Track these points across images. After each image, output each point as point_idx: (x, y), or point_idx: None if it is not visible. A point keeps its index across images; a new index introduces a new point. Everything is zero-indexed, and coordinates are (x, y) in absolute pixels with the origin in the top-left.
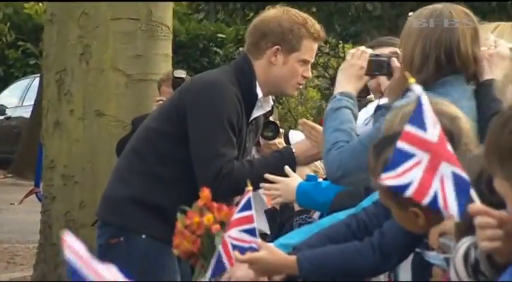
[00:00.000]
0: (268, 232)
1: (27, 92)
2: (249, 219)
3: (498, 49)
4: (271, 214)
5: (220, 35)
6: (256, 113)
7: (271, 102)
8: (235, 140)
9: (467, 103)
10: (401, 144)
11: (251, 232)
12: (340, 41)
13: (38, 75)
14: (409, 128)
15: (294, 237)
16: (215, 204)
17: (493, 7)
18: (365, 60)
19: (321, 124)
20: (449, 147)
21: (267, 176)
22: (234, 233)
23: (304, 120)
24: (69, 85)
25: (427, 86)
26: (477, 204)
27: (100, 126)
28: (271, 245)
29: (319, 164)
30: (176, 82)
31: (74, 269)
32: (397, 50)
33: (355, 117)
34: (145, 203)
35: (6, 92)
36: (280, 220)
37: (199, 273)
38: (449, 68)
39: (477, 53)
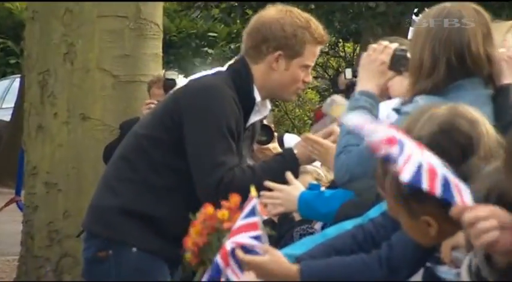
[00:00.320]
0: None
1: (7, 94)
2: (254, 226)
3: None
4: (269, 226)
5: (211, 34)
6: (254, 118)
7: (269, 107)
8: (235, 146)
9: (481, 109)
10: (399, 135)
11: (257, 239)
12: (340, 40)
13: (19, 75)
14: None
15: (299, 248)
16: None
17: (503, 3)
18: (388, 54)
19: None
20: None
21: (268, 183)
22: (239, 239)
23: (307, 135)
24: (52, 86)
25: (439, 91)
26: (459, 204)
27: (85, 131)
28: (277, 251)
29: (321, 172)
30: (168, 84)
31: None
32: None
33: (375, 117)
34: (135, 214)
35: None
36: (279, 232)
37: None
38: (462, 70)
39: (491, 52)
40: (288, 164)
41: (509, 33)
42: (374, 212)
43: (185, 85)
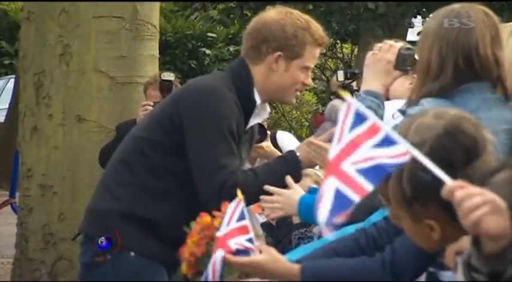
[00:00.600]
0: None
1: (1, 95)
2: (245, 230)
3: None
4: (267, 230)
5: (210, 35)
6: (253, 121)
7: (268, 110)
8: (236, 148)
9: (487, 113)
10: None
11: (250, 242)
12: (338, 41)
13: (13, 76)
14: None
15: (300, 253)
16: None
17: (503, 5)
18: (393, 54)
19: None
20: (346, 166)
21: (267, 187)
22: (233, 243)
23: (311, 139)
24: (48, 88)
25: (446, 94)
26: (450, 183)
27: (81, 133)
28: (274, 250)
29: (321, 175)
30: (164, 85)
31: None
32: None
33: (380, 117)
34: (134, 217)
35: None
36: (277, 236)
37: None
38: (469, 72)
39: (499, 55)
40: (291, 167)
41: (511, 37)
42: (376, 217)
43: (184, 87)
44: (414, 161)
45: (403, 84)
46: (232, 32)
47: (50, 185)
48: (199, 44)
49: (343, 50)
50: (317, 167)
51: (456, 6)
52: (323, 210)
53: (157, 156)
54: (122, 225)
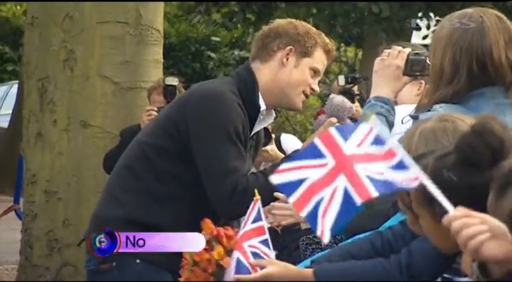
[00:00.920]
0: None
1: (4, 100)
2: (261, 231)
3: None
4: (271, 235)
5: (214, 38)
6: (258, 127)
7: (274, 115)
8: (244, 151)
9: (501, 118)
10: (316, 141)
11: (264, 243)
12: (342, 44)
13: (16, 82)
14: (332, 131)
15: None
16: (222, 232)
17: (507, 7)
18: (402, 59)
19: None
20: (359, 167)
21: (277, 194)
22: (248, 245)
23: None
24: (52, 94)
25: (459, 99)
26: (450, 213)
27: (86, 138)
28: (281, 262)
29: None
30: (168, 90)
31: None
32: None
33: (390, 124)
34: (139, 223)
35: None
36: (283, 242)
37: None
38: (483, 77)
39: None
40: None
41: None
42: (392, 222)
43: (189, 92)
44: (438, 159)
45: (411, 90)
46: (235, 35)
47: (55, 191)
48: (202, 47)
49: (347, 53)
50: None
51: (469, 10)
52: (331, 215)
53: (162, 162)
54: (127, 231)
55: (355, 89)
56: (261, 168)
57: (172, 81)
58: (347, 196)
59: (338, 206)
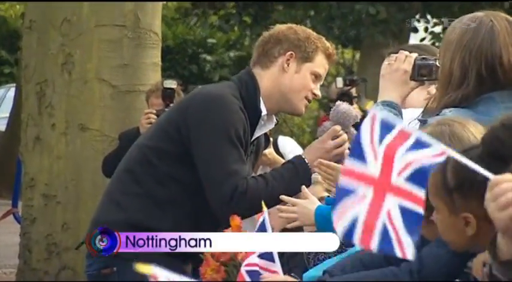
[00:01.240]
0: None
1: (1, 104)
2: None
3: None
4: None
5: (210, 41)
6: (259, 132)
7: (275, 120)
8: (244, 155)
9: None
10: (343, 180)
11: (269, 257)
12: (339, 46)
13: (13, 85)
14: (348, 164)
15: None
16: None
17: (507, 9)
18: (409, 64)
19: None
20: (394, 179)
21: (283, 197)
22: (252, 260)
23: (320, 160)
24: (50, 97)
25: (468, 103)
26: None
27: (84, 142)
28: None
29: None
30: (166, 93)
31: None
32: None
33: None
34: (140, 227)
35: None
36: None
37: None
38: (492, 81)
39: None
40: (300, 171)
41: None
42: None
43: (190, 95)
44: (463, 152)
45: (420, 94)
46: (232, 38)
47: (53, 195)
48: (199, 49)
49: (344, 55)
50: None
51: (480, 13)
52: (401, 238)
53: (162, 165)
54: None
55: (353, 91)
56: (259, 171)
57: (171, 84)
58: (405, 211)
59: (403, 229)
